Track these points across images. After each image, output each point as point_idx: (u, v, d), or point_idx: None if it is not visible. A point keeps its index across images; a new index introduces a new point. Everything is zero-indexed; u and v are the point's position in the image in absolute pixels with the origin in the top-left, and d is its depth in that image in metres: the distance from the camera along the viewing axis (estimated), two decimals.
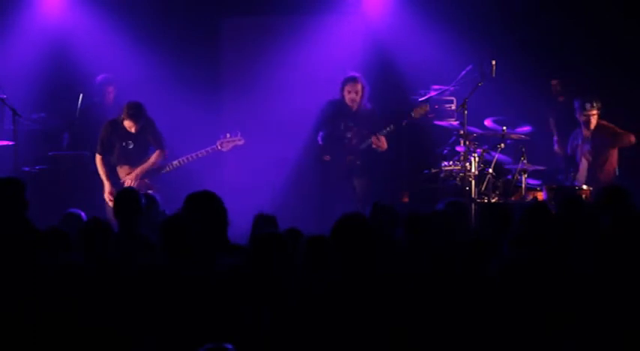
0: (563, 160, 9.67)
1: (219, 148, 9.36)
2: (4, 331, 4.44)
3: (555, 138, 9.85)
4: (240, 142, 9.42)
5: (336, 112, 9.50)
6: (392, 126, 9.36)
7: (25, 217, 6.03)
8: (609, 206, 6.07)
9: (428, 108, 9.39)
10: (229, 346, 3.61)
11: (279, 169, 10.65)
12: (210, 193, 5.86)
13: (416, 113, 9.35)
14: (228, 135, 9.39)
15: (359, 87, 9.41)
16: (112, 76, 10.16)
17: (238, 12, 11.04)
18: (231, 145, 9.39)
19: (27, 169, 9.54)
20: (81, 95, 9.97)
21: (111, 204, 8.98)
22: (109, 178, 9.15)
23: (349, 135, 9.47)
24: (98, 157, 9.22)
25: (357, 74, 9.48)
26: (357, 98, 9.41)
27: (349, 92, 9.41)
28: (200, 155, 9.35)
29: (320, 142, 9.52)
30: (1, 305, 4.65)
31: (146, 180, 9.18)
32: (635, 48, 10.06)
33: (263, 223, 6.28)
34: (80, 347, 4.42)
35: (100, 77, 10.14)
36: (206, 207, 5.71)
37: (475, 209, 8.59)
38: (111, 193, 9.04)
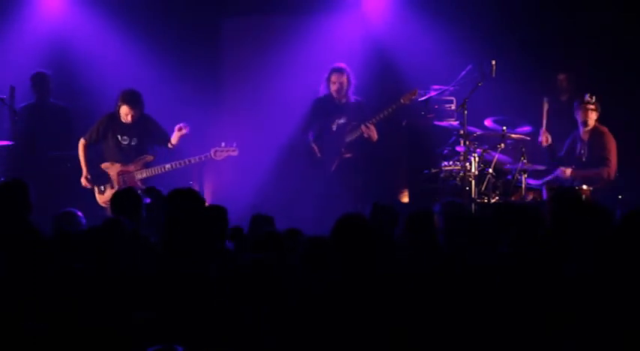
0: (547, 155, 9.58)
1: (213, 156, 9.32)
2: (5, 332, 4.45)
3: (542, 129, 9.64)
4: (234, 153, 9.34)
5: (325, 107, 9.56)
6: (381, 114, 9.37)
7: (28, 219, 6.02)
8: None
9: (417, 92, 9.39)
10: (180, 348, 3.61)
11: (279, 168, 10.65)
12: (187, 191, 5.84)
13: (405, 99, 9.38)
14: (223, 144, 9.33)
15: (344, 78, 9.47)
16: (48, 72, 9.99)
17: (238, 12, 11.04)
18: (225, 154, 9.33)
19: (27, 169, 9.52)
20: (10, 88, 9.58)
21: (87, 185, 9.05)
22: (87, 165, 9.17)
23: (340, 129, 9.50)
24: (82, 142, 9.20)
25: (342, 65, 9.51)
26: (343, 89, 9.46)
27: (334, 83, 9.48)
28: (193, 161, 9.30)
29: (310, 138, 9.57)
30: (2, 306, 4.65)
31: (137, 180, 9.13)
32: (635, 48, 10.05)
33: (261, 223, 6.28)
34: (81, 348, 4.43)
35: (33, 73, 9.95)
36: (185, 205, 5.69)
37: (475, 209, 8.59)
38: (86, 178, 9.13)
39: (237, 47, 11.08)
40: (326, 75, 9.57)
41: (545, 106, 9.54)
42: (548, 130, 9.46)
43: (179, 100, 10.47)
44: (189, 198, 5.79)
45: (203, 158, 9.30)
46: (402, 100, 9.39)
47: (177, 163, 9.26)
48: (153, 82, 10.22)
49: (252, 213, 6.63)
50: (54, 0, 10.71)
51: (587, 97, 9.16)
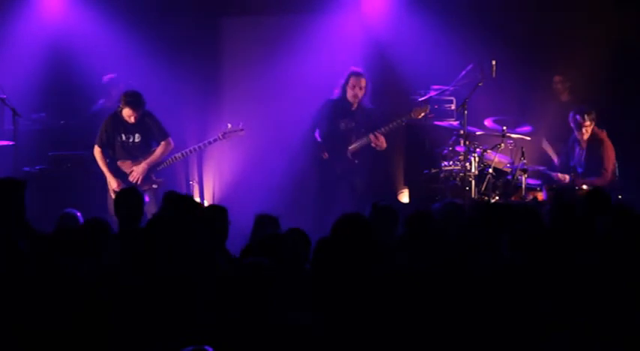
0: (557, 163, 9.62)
1: (221, 138, 9.36)
2: (4, 335, 4.44)
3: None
4: (242, 133, 9.41)
5: (336, 110, 9.46)
6: (391, 125, 9.31)
7: (24, 217, 5.99)
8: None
9: (428, 109, 9.33)
10: (209, 348, 3.61)
11: (279, 167, 10.65)
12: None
13: (415, 113, 9.29)
14: (229, 125, 9.38)
15: (363, 82, 9.36)
16: (117, 77, 10.10)
17: (238, 12, 11.03)
18: (233, 135, 9.39)
19: (27, 169, 9.53)
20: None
21: None
22: (111, 171, 9.10)
23: (349, 133, 9.44)
24: (97, 150, 9.13)
25: (361, 70, 9.46)
26: (360, 94, 9.36)
27: (354, 87, 9.36)
28: (203, 146, 9.36)
29: (319, 140, 9.51)
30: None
31: (151, 174, 9.15)
32: (634, 48, 10.05)
33: (265, 223, 6.25)
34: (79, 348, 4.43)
35: (105, 78, 10.09)
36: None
37: (475, 209, 8.57)
38: (119, 186, 8.92)
39: (237, 47, 11.07)
40: (344, 78, 9.43)
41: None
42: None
43: (179, 99, 10.46)
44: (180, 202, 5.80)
45: (212, 141, 9.34)
46: (412, 114, 9.28)
47: (187, 151, 9.30)
48: (153, 82, 10.20)
49: (255, 213, 6.61)
50: (54, 0, 10.71)
51: (585, 119, 9.14)
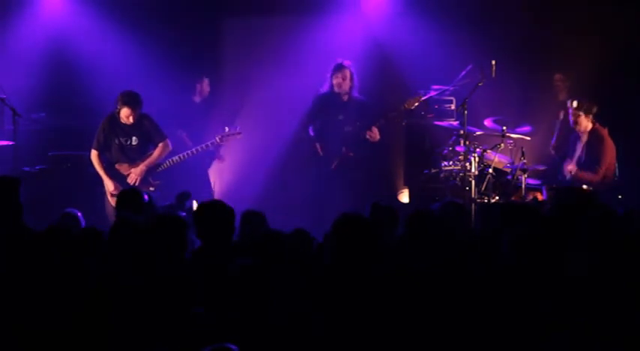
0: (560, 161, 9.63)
1: (219, 142, 9.35)
2: (4, 335, 4.44)
3: (554, 139, 9.78)
4: (239, 136, 9.41)
5: (326, 103, 9.49)
6: (383, 119, 9.32)
7: (21, 217, 5.98)
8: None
9: (421, 98, 9.31)
10: (234, 346, 3.61)
11: (279, 167, 10.65)
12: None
13: (409, 104, 9.26)
14: (227, 129, 9.37)
15: (347, 73, 9.40)
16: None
17: (238, 12, 11.04)
18: (230, 138, 9.39)
19: (27, 169, 9.53)
20: None
21: (113, 201, 8.90)
22: (108, 174, 9.06)
23: (340, 126, 9.44)
24: (94, 153, 9.10)
25: (344, 62, 9.47)
26: (345, 85, 9.39)
27: (337, 77, 9.41)
28: (200, 150, 9.34)
29: (312, 134, 9.51)
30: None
31: (148, 176, 9.13)
32: (633, 47, 10.05)
33: (253, 220, 6.21)
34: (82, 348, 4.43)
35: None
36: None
37: (475, 209, 8.59)
38: (116, 189, 8.90)
39: (237, 47, 11.08)
40: (329, 72, 9.51)
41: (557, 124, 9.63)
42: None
43: (179, 100, 10.46)
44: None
45: (210, 145, 9.34)
46: (405, 105, 9.27)
47: (184, 154, 9.26)
48: (153, 82, 10.20)
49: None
50: (54, 0, 10.72)
51: (574, 104, 9.14)
